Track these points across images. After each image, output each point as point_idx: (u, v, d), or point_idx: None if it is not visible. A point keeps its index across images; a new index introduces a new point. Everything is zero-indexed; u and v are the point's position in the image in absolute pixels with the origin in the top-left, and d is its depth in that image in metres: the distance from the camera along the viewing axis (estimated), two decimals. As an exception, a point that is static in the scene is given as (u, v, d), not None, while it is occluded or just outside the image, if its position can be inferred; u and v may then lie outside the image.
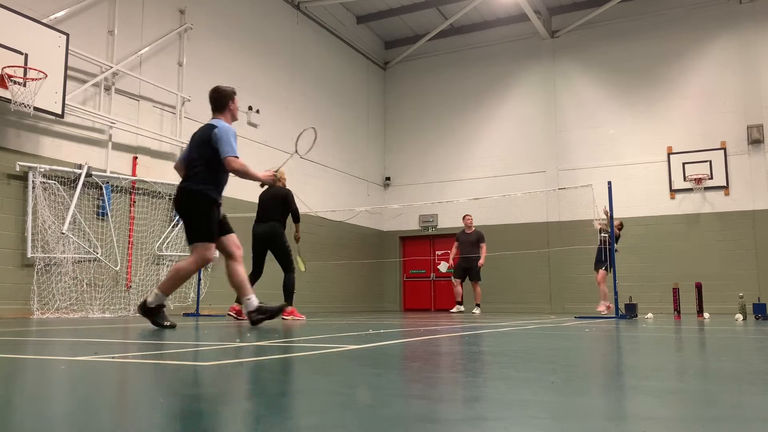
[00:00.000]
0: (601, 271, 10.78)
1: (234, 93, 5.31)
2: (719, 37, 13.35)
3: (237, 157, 4.97)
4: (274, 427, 1.12)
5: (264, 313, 5.20)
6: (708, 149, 13.09)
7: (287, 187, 8.06)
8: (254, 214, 8.03)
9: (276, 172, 6.33)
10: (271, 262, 7.86)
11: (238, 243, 5.29)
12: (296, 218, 7.80)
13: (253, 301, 5.14)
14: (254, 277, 7.70)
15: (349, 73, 15.43)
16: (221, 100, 5.23)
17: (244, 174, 5.08)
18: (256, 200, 8.08)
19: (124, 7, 9.66)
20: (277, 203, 7.70)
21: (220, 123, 5.09)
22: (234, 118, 5.32)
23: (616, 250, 10.35)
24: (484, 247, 12.07)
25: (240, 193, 11.77)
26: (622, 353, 2.91)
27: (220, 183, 5.09)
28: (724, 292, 12.07)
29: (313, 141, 6.57)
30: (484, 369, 2.14)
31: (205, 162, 4.95)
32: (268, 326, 5.27)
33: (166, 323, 4.76)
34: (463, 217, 12.41)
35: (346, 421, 1.19)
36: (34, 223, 8.09)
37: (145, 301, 4.80)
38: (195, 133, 5.22)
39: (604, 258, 10.31)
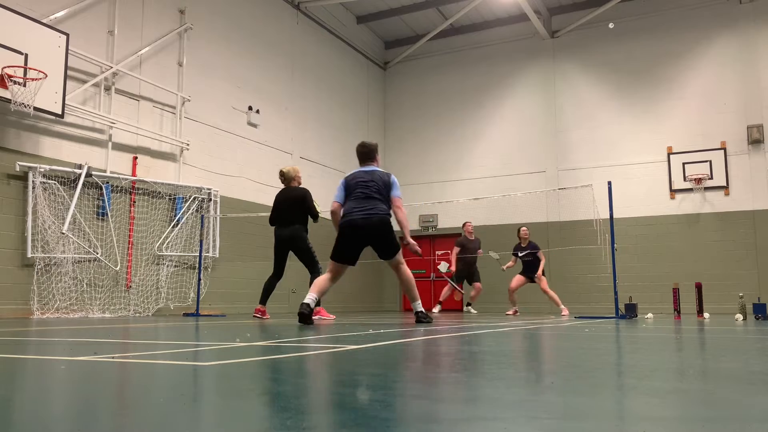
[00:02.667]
0: (545, 279, 11.36)
1: (377, 146, 6.45)
2: (719, 37, 13.35)
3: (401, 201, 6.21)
4: (274, 428, 1.12)
5: (425, 319, 6.14)
6: (708, 149, 13.10)
7: (302, 185, 8.06)
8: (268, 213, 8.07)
9: (287, 170, 7.94)
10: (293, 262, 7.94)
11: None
12: (314, 218, 7.89)
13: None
14: (275, 278, 7.76)
15: (349, 73, 15.43)
16: (371, 154, 6.31)
17: (405, 219, 6.19)
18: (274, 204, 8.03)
19: (124, 7, 9.66)
20: (295, 205, 7.70)
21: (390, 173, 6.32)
22: (379, 166, 6.41)
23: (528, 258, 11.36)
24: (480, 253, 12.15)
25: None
26: (622, 353, 2.91)
27: None
28: (724, 292, 12.07)
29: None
30: (484, 369, 2.14)
31: (386, 199, 6.08)
32: (269, 326, 5.27)
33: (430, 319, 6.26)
34: (467, 224, 12.30)
35: (347, 421, 1.19)
36: (34, 223, 8.09)
37: (422, 313, 6.15)
38: (365, 176, 6.11)
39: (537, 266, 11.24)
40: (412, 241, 6.17)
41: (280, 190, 7.99)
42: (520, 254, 11.46)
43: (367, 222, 5.90)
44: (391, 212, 6.13)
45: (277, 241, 7.72)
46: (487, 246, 12.42)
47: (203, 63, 11.12)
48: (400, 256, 6.19)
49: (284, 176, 7.96)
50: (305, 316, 5.56)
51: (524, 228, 11.62)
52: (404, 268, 6.19)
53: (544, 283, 11.29)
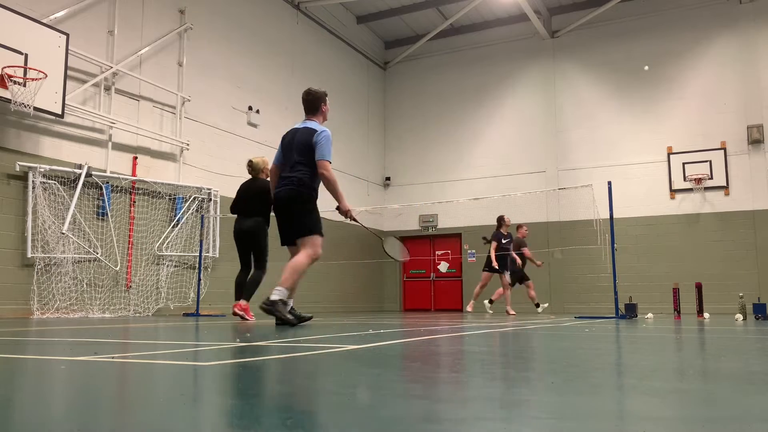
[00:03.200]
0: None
1: (326, 95, 5.64)
2: (719, 37, 13.35)
3: (330, 163, 5.25)
4: (274, 427, 1.12)
5: (274, 311, 5.05)
6: (708, 149, 13.10)
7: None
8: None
9: (255, 162, 7.42)
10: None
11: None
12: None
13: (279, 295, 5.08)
14: (243, 275, 7.35)
15: (349, 73, 15.43)
16: (315, 103, 5.53)
17: (332, 185, 5.24)
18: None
19: (124, 7, 9.66)
20: (259, 198, 7.29)
21: (321, 127, 5.40)
22: (325, 119, 5.62)
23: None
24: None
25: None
26: (622, 353, 2.91)
27: (318, 185, 5.35)
28: (724, 292, 12.07)
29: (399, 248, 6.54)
30: (484, 369, 2.15)
31: (308, 164, 5.21)
32: (268, 326, 5.27)
33: (290, 318, 5.09)
34: (523, 227, 12.09)
35: (346, 421, 1.19)
36: (34, 223, 8.09)
37: (267, 298, 5.03)
38: (292, 136, 5.40)
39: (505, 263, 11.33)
40: (348, 206, 5.40)
41: (245, 180, 7.63)
42: (504, 241, 11.47)
43: (277, 195, 5.25)
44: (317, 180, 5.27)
45: (237, 232, 7.36)
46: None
47: (203, 63, 11.12)
48: (311, 242, 5.18)
49: (252, 167, 7.56)
50: (271, 312, 5.05)
51: (508, 217, 11.72)
52: (305, 255, 5.13)
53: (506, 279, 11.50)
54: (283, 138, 5.53)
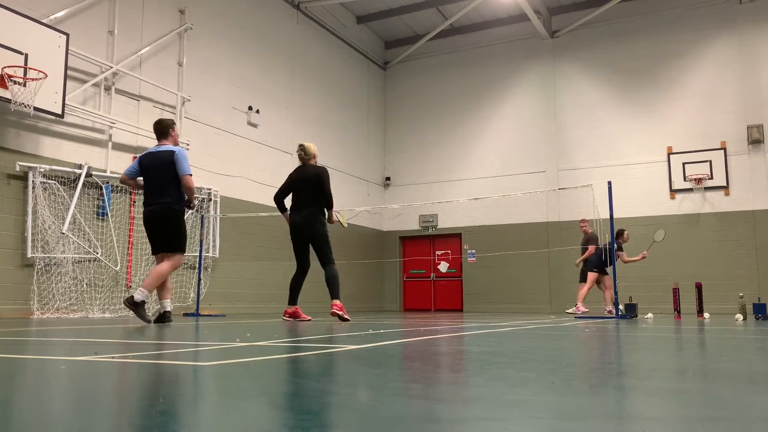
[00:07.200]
0: None
1: (173, 121, 6.27)
2: (719, 37, 13.36)
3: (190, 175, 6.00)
4: (273, 427, 1.12)
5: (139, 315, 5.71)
6: (708, 149, 13.11)
7: (320, 163, 6.97)
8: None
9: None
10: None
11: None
12: (328, 204, 6.75)
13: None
14: (300, 274, 6.90)
15: (349, 73, 15.43)
16: (164, 130, 6.11)
17: (188, 194, 5.99)
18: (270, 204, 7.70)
19: (124, 7, 9.66)
20: (310, 185, 6.68)
21: (175, 147, 6.04)
22: (175, 143, 6.19)
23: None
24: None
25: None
26: (622, 353, 2.91)
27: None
28: (724, 292, 12.07)
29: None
30: (484, 369, 2.14)
31: (173, 181, 5.87)
32: (268, 327, 5.27)
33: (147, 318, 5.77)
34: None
35: (346, 421, 1.19)
36: (34, 223, 8.09)
37: (132, 297, 5.73)
38: (149, 160, 5.95)
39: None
40: (193, 203, 6.10)
41: (294, 169, 7.01)
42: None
43: (151, 215, 5.89)
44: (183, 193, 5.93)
45: (292, 229, 6.77)
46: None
47: (203, 63, 11.11)
48: (176, 257, 5.90)
49: (305, 152, 6.90)
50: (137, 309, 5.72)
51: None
52: (170, 265, 5.86)
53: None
54: (142, 161, 5.99)
